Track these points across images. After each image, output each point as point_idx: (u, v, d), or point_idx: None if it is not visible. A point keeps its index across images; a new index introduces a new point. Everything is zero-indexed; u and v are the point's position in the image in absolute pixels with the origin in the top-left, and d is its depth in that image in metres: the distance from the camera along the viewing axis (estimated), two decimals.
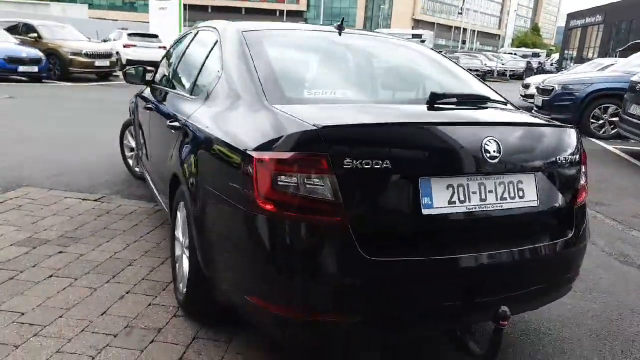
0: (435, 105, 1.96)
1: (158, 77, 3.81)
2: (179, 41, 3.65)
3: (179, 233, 2.42)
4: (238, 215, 1.69)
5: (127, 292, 2.50)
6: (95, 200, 3.95)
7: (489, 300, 1.71)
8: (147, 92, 3.87)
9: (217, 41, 2.51)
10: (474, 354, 1.80)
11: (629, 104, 7.19)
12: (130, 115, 4.66)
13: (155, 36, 17.83)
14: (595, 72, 10.74)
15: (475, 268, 1.68)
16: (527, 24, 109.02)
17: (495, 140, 1.72)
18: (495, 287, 1.76)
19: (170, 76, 3.14)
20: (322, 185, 1.54)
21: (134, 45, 17.03)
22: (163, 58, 3.86)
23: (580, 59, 37.86)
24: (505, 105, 2.27)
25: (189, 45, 3.08)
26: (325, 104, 1.91)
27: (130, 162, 4.69)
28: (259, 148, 1.64)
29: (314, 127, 1.57)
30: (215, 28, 2.62)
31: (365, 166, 1.55)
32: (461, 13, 67.44)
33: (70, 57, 13.62)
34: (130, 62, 17.25)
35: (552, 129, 1.94)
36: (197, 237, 2.00)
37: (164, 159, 2.69)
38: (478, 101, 2.13)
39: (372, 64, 2.47)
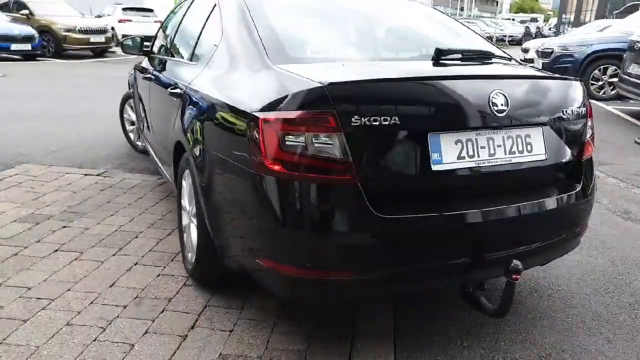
0: (441, 61, 1.91)
1: (156, 47, 3.73)
2: (175, 10, 3.56)
3: (185, 202, 2.39)
4: (246, 178, 1.66)
5: (135, 264, 2.50)
6: (98, 175, 3.92)
7: (499, 255, 1.70)
8: (145, 62, 3.80)
9: (215, 5, 2.43)
10: (485, 310, 1.80)
11: (627, 63, 7.10)
12: (129, 88, 4.59)
13: (151, 10, 17.48)
14: (594, 33, 10.55)
15: (485, 223, 1.66)
16: None
17: (502, 94, 1.68)
18: (505, 241, 1.74)
19: (169, 45, 3.06)
20: (331, 144, 1.51)
21: (129, 20, 16.71)
22: (160, 28, 3.77)
23: (578, 23, 37.28)
24: (510, 60, 2.21)
25: (186, 13, 3.00)
26: (328, 62, 1.86)
27: (132, 135, 4.65)
28: (264, 109, 1.60)
29: (320, 85, 1.53)
30: None
31: (374, 123, 1.52)
32: None
33: (64, 33, 13.40)
34: (126, 37, 17.02)
35: (558, 82, 1.89)
36: (204, 203, 1.97)
37: (166, 128, 2.64)
38: (483, 57, 2.08)
39: (376, 23, 2.40)
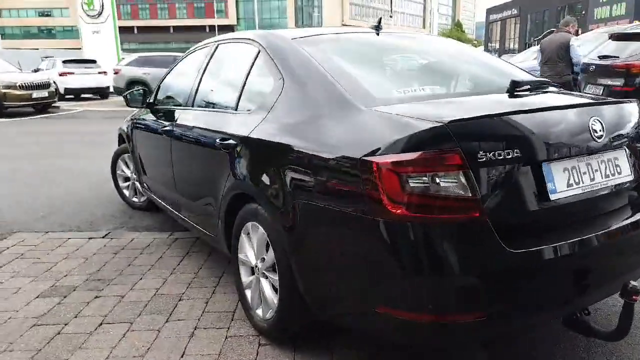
0: (516, 93, 1.96)
1: (161, 98, 3.61)
2: (184, 60, 3.46)
3: (249, 256, 2.27)
4: (358, 225, 1.60)
5: (195, 329, 2.32)
6: (103, 237, 3.66)
7: (612, 276, 1.73)
8: (147, 115, 3.65)
9: (259, 52, 2.39)
10: (598, 334, 1.81)
11: (583, 85, 7.64)
12: (120, 143, 4.38)
13: (94, 61, 17.04)
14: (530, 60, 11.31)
15: (598, 247, 1.68)
16: (449, 22, 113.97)
17: (598, 120, 1.75)
18: (615, 263, 1.77)
19: (193, 96, 2.95)
20: (456, 182, 1.49)
21: (72, 73, 16.17)
22: (163, 78, 3.65)
23: (504, 50, 40.13)
24: (562, 88, 2.32)
25: (209, 62, 2.92)
26: (422, 101, 1.85)
27: (126, 192, 4.41)
28: (377, 152, 1.56)
29: (440, 123, 1.52)
30: (251, 39, 2.50)
31: (498, 157, 1.52)
32: (392, 16, 69.39)
33: (4, 90, 12.70)
34: (69, 91, 16.42)
35: (631, 104, 1.99)
36: (293, 256, 1.88)
37: (210, 182, 2.53)
38: (544, 85, 2.16)
39: (431, 59, 2.44)
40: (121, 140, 4.37)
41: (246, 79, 2.44)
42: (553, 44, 7.42)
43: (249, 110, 2.33)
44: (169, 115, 3.22)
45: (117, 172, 4.42)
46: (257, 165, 2.09)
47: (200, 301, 2.60)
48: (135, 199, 4.35)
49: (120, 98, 16.05)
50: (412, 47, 2.52)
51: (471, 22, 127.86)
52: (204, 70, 2.93)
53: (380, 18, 2.74)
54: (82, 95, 17.66)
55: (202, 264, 3.12)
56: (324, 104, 1.88)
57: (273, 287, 2.12)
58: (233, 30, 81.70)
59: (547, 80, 2.23)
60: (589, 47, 9.29)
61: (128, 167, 4.32)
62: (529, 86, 2.04)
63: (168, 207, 3.38)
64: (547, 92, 2.09)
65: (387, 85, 2.09)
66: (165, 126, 3.13)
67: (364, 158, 1.57)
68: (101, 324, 2.39)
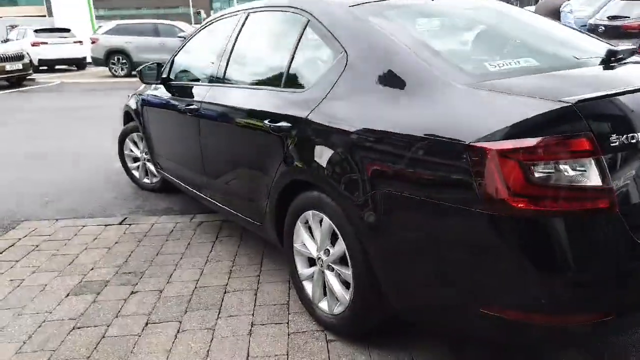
0: (612, 63, 1.79)
1: (176, 73, 3.33)
2: (203, 32, 3.16)
3: (307, 246, 2.10)
4: (467, 219, 1.43)
5: (252, 325, 2.16)
6: (120, 223, 3.44)
7: None
8: (159, 91, 3.38)
9: (307, 22, 2.15)
10: None
11: None
12: (127, 122, 4.09)
13: (68, 30, 16.19)
14: None
15: None
16: None
17: None
18: None
19: (221, 71, 2.69)
20: (586, 170, 1.33)
21: (45, 43, 15.35)
22: (178, 51, 3.36)
23: None
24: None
25: (239, 34, 2.65)
26: (524, 75, 1.65)
27: (136, 173, 4.15)
28: (490, 137, 1.38)
29: (567, 103, 1.34)
30: (297, 7, 2.24)
31: (631, 141, 1.36)
32: None
33: None
34: (43, 62, 15.65)
35: None
36: (373, 251, 1.71)
37: (252, 167, 2.33)
38: (633, 55, 1.98)
39: (504, 27, 2.21)
40: (127, 118, 4.08)
41: (294, 52, 2.20)
42: (544, 10, 6.94)
43: (301, 88, 2.10)
44: (192, 93, 2.96)
45: (125, 152, 4.14)
46: (321, 150, 1.88)
47: (247, 293, 2.44)
48: (146, 180, 4.10)
49: (100, 69, 15.46)
50: (478, 14, 2.29)
51: None
52: (234, 43, 2.66)
53: None
54: (57, 67, 16.88)
55: (236, 250, 2.94)
56: (406, 81, 1.67)
57: (342, 280, 1.97)
58: None
59: (635, 48, 2.05)
60: (588, 9, 9.13)
61: (137, 146, 4.05)
62: (622, 55, 1.86)
63: (192, 189, 3.16)
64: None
65: (476, 58, 1.88)
66: (189, 104, 2.87)
67: (473, 144, 1.39)
68: (147, 324, 2.21)
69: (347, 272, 1.88)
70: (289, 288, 2.46)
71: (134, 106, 3.82)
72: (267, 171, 2.23)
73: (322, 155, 1.87)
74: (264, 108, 2.24)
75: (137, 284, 2.59)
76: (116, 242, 3.13)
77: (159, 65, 3.33)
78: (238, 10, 2.80)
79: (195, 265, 2.78)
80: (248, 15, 2.65)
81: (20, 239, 3.22)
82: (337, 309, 1.99)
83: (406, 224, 1.61)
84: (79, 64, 16.63)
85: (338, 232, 1.87)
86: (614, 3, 7.10)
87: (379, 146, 1.65)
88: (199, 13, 52.85)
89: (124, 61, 14.23)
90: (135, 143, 4.05)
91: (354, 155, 1.73)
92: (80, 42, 16.03)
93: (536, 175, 1.33)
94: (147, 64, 3.34)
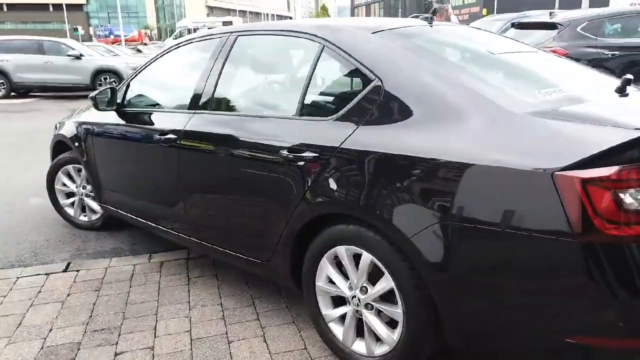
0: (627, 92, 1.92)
1: (134, 99, 2.99)
2: (171, 54, 2.85)
3: (339, 285, 1.95)
4: (556, 248, 1.40)
5: None
6: (65, 270, 2.96)
7: None
8: (113, 119, 3.00)
9: (322, 48, 2.02)
10: None
11: None
12: (59, 152, 3.59)
13: None
14: None
15: None
16: (312, 4, 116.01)
17: None
18: None
19: (207, 97, 2.42)
20: None
21: None
22: (134, 76, 3.00)
23: None
24: None
25: (228, 57, 2.41)
26: (573, 104, 1.68)
27: (70, 211, 3.63)
28: (577, 166, 1.38)
29: None
30: (308, 33, 2.10)
31: None
32: None
33: None
34: None
35: None
36: (436, 287, 1.62)
37: (259, 201, 2.13)
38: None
39: (510, 56, 2.25)
40: (59, 148, 3.58)
41: (309, 80, 2.05)
42: None
43: (324, 116, 1.97)
44: (162, 120, 2.67)
45: (56, 186, 3.60)
46: (363, 179, 1.76)
47: (256, 341, 2.20)
48: (83, 218, 3.61)
49: None
50: (485, 43, 2.34)
51: (333, 6, 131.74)
52: (222, 67, 2.42)
53: (435, 9, 2.50)
54: None
55: (217, 291, 2.67)
56: (462, 109, 1.63)
57: (385, 319, 1.85)
58: (82, 10, 73.70)
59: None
60: None
61: (72, 180, 3.55)
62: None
63: (158, 225, 2.82)
64: None
65: (520, 86, 1.90)
66: (162, 133, 2.57)
67: (559, 173, 1.38)
68: None
69: (395, 310, 1.77)
70: (299, 331, 2.27)
71: (70, 134, 3.36)
72: (282, 204, 2.04)
73: (365, 185, 1.75)
74: (277, 138, 2.06)
75: (117, 342, 2.22)
76: (69, 294, 2.68)
77: (113, 91, 2.96)
78: (219, 33, 2.58)
79: (179, 313, 2.46)
80: (236, 38, 2.45)
81: None
82: (379, 350, 1.86)
83: (481, 255, 1.54)
84: None
85: (384, 268, 1.76)
86: (508, 32, 7.83)
87: (442, 175, 1.58)
88: (76, 29, 49.34)
89: (1, 81, 12.68)
90: (70, 176, 3.55)
91: (411, 186, 1.64)
92: None
93: (626, 201, 1.35)
94: (100, 90, 2.95)
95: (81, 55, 12.70)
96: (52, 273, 2.93)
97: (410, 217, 1.63)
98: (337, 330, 2.00)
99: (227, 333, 2.27)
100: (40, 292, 2.71)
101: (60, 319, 2.42)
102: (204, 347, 2.16)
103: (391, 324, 1.83)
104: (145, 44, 39.49)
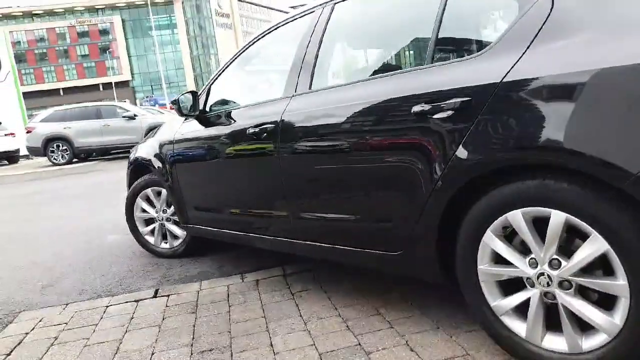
0: None
1: (216, 103, 2.77)
2: (251, 49, 2.64)
3: (506, 266, 1.54)
4: None
5: None
6: (155, 296, 2.66)
7: None
8: (195, 128, 2.78)
9: None
10: None
11: None
12: (136, 178, 3.39)
13: None
14: None
15: None
16: None
17: None
18: None
19: (305, 79, 2.15)
20: None
21: None
22: (214, 80, 2.79)
23: None
24: None
25: (325, 29, 2.15)
26: None
27: (150, 239, 3.39)
28: None
29: None
30: None
31: None
32: None
33: None
34: None
35: None
36: None
37: (392, 175, 1.77)
38: None
39: None
40: (136, 172, 3.39)
41: (440, 18, 1.74)
42: None
43: (467, 54, 1.63)
44: (254, 114, 2.41)
45: (136, 214, 3.38)
46: (548, 115, 1.37)
47: (400, 350, 1.78)
48: (165, 245, 3.35)
49: (36, 160, 14.23)
50: None
51: None
52: (320, 42, 2.16)
53: None
54: None
55: (330, 303, 2.28)
56: None
57: (593, 300, 1.41)
58: (129, 86, 78.43)
59: None
60: None
61: (152, 204, 3.33)
62: None
63: (255, 234, 2.51)
64: None
65: None
66: (257, 125, 2.30)
67: None
68: None
69: (614, 283, 1.32)
70: (449, 336, 1.84)
71: (148, 155, 3.16)
72: (422, 174, 1.68)
73: (549, 121, 1.36)
74: (404, 94, 1.73)
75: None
76: (164, 318, 2.36)
77: (195, 94, 2.74)
78: (307, 10, 2.34)
79: (294, 327, 2.08)
80: (333, 8, 2.20)
81: (27, 333, 2.36)
82: (590, 342, 1.39)
83: None
84: (10, 157, 15.26)
85: (589, 228, 1.33)
86: None
87: None
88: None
89: (64, 148, 13.17)
90: (149, 201, 3.33)
91: (626, 106, 1.24)
92: (12, 134, 14.79)
93: None
94: (183, 93, 2.74)
95: (135, 115, 13.12)
96: (141, 300, 2.64)
97: (634, 147, 1.22)
98: (516, 324, 1.56)
99: (360, 344, 1.86)
100: (132, 317, 2.41)
101: (161, 343, 2.09)
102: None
103: (602, 305, 1.38)
104: None
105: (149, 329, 2.25)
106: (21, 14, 76.67)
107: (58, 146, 13.06)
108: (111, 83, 72.63)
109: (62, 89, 74.63)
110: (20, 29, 74.91)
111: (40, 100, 68.33)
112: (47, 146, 13.02)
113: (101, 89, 74.23)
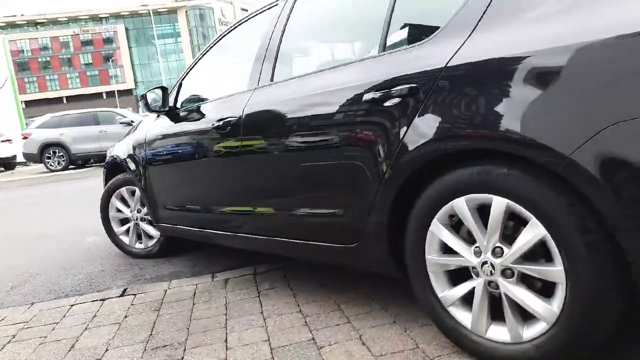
0: None
1: (187, 99, 2.75)
2: (220, 43, 2.63)
3: (453, 254, 1.50)
4: None
5: None
6: (122, 295, 2.62)
7: None
8: (166, 125, 2.76)
9: None
10: None
11: None
12: (111, 177, 3.37)
13: None
14: None
15: None
16: None
17: None
18: None
19: (267, 71, 2.13)
20: None
21: None
22: (185, 75, 2.78)
23: None
24: None
25: (287, 21, 2.15)
26: None
27: (125, 239, 3.36)
28: None
29: None
30: None
31: None
32: None
33: None
34: None
35: None
36: (625, 217, 1.15)
37: (344, 166, 1.74)
38: None
39: None
40: (112, 171, 3.38)
41: (393, 6, 1.72)
42: None
43: (415, 42, 1.61)
44: (218, 108, 2.39)
45: (110, 214, 3.36)
46: (490, 98, 1.34)
47: (352, 344, 1.74)
48: (139, 245, 3.32)
49: (32, 167, 14.24)
50: None
51: None
52: (282, 34, 2.15)
53: None
54: None
55: (294, 300, 2.24)
56: None
57: (535, 288, 1.37)
58: (132, 94, 78.93)
59: None
60: None
61: (126, 204, 3.30)
62: None
63: (220, 232, 2.48)
64: None
65: None
66: (220, 119, 2.28)
67: None
68: None
69: (551, 269, 1.29)
70: (404, 330, 1.80)
71: (125, 154, 3.14)
72: (373, 164, 1.65)
73: (491, 104, 1.33)
74: (355, 83, 1.71)
75: (183, 357, 1.82)
76: (126, 316, 2.32)
77: (165, 90, 2.73)
78: (272, 3, 2.33)
79: (253, 324, 2.05)
80: (295, 0, 2.18)
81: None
82: (530, 331, 1.36)
83: None
84: (7, 164, 15.31)
85: (528, 213, 1.30)
86: None
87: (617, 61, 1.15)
88: None
89: (60, 154, 13.19)
90: (123, 200, 3.31)
91: (563, 87, 1.21)
92: (9, 140, 14.85)
93: None
94: (149, 89, 2.73)
95: (132, 121, 13.12)
96: (107, 298, 2.60)
97: (570, 127, 1.19)
98: (462, 315, 1.53)
99: (314, 339, 1.83)
100: (95, 316, 2.37)
101: (117, 339, 2.06)
102: (289, 355, 1.72)
103: (543, 293, 1.35)
104: None
105: (109, 326, 2.22)
106: (25, 22, 77.42)
107: (54, 152, 13.09)
108: (114, 91, 73.09)
109: (66, 97, 74.99)
110: (24, 37, 75.56)
111: (43, 108, 68.69)
112: (43, 152, 13.05)
113: (104, 97, 74.61)
